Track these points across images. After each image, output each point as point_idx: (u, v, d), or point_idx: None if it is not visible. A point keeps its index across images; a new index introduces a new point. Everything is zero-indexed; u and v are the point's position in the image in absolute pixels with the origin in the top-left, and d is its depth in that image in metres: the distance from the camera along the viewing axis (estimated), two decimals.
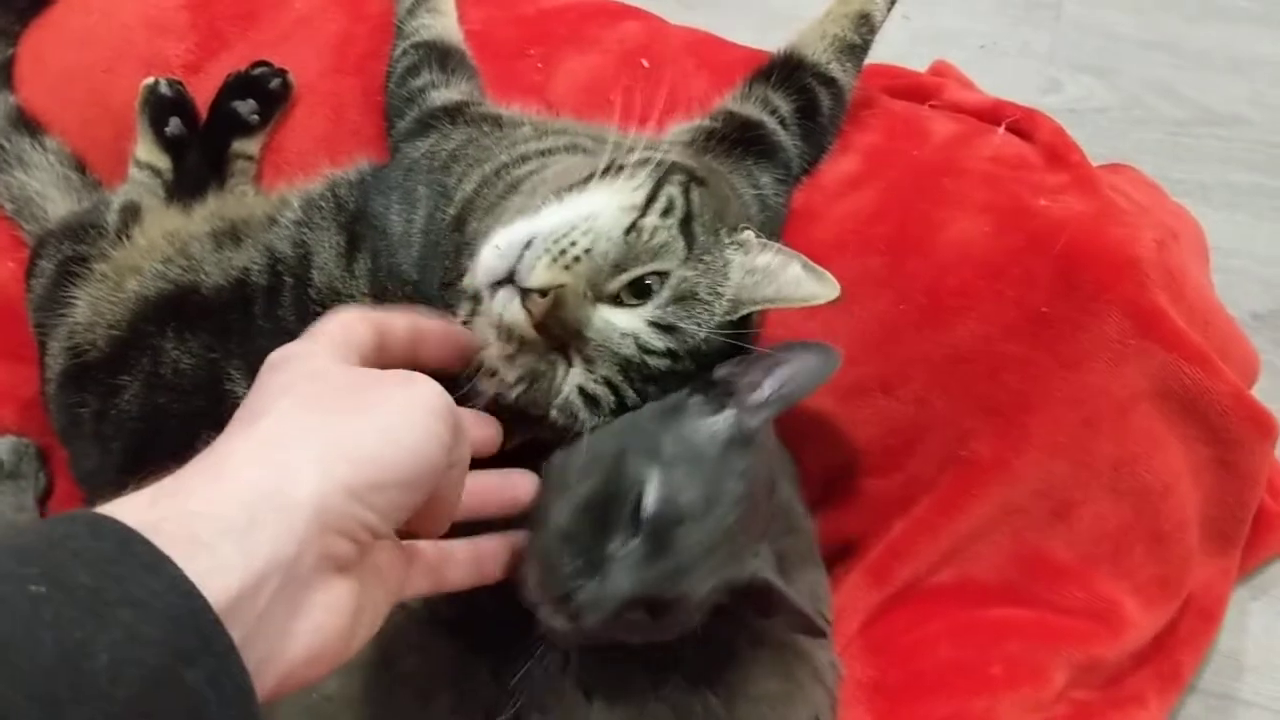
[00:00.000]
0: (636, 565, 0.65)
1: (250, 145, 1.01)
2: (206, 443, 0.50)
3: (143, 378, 0.86)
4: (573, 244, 0.67)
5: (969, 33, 1.48)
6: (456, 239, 0.80)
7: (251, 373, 0.56)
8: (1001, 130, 1.00)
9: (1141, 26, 1.48)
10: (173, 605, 0.41)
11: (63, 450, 0.97)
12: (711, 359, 0.72)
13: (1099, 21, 1.49)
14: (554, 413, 0.70)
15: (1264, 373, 1.04)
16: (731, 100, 0.93)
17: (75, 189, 1.06)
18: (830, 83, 0.94)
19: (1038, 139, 0.99)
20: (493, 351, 0.69)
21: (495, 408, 0.71)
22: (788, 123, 0.92)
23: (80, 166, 1.08)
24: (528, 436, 0.72)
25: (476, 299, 0.70)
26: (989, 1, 1.53)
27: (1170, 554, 0.92)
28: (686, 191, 0.73)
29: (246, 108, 1.00)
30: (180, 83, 1.02)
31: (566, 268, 0.67)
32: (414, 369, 0.57)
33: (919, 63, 1.19)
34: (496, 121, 0.89)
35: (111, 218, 0.95)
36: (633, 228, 0.69)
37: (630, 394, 0.70)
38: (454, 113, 0.90)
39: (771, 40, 0.98)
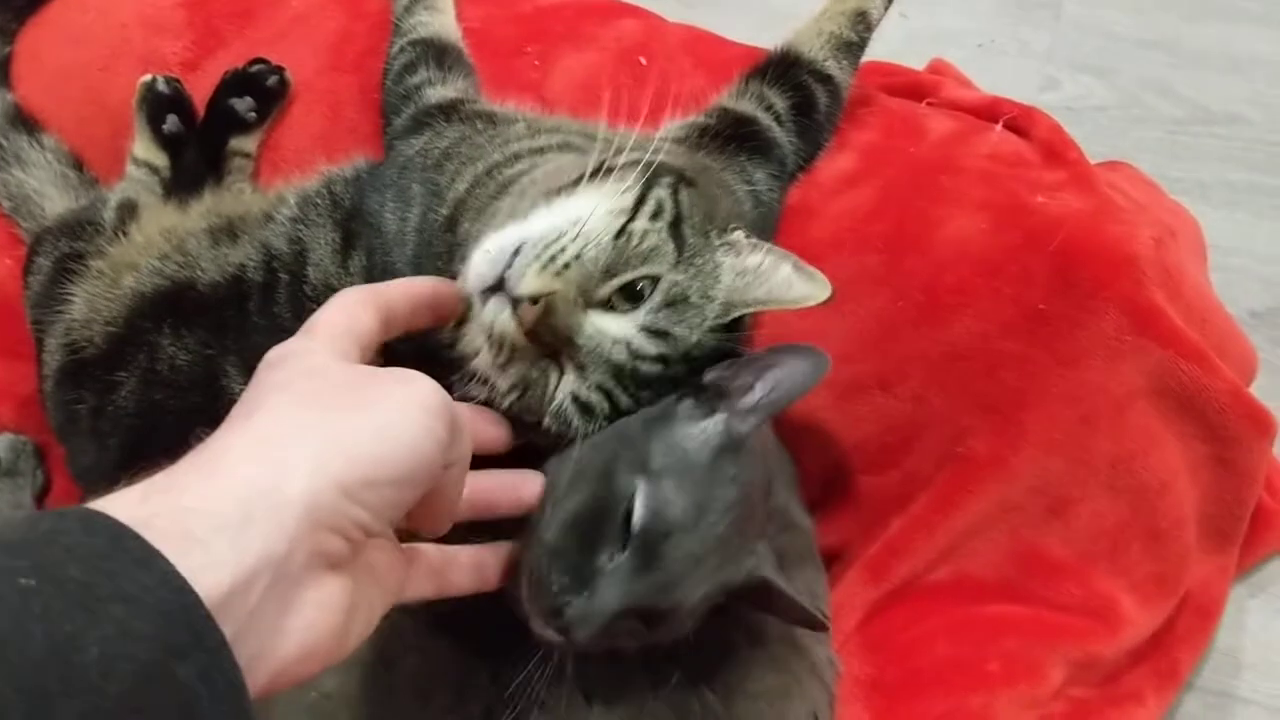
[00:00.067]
0: (626, 579, 0.65)
1: (247, 143, 1.01)
2: (200, 439, 0.50)
3: (139, 374, 0.86)
4: (562, 250, 0.67)
5: (967, 31, 1.48)
6: (449, 240, 0.79)
7: (248, 369, 0.56)
8: (999, 128, 1.00)
9: (1140, 26, 1.47)
10: (164, 600, 0.41)
11: (60, 447, 0.96)
12: (703, 362, 0.71)
13: (1098, 21, 1.48)
14: (548, 420, 0.69)
15: (1262, 371, 1.04)
16: (727, 97, 0.93)
17: (73, 187, 1.06)
18: (827, 80, 0.94)
19: (1035, 136, 0.99)
20: (484, 359, 0.69)
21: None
22: (783, 119, 0.92)
23: (77, 164, 1.08)
24: (526, 439, 0.72)
25: (468, 303, 0.70)
26: (987, 0, 1.53)
27: (1167, 551, 0.92)
28: (675, 193, 0.72)
29: (244, 105, 1.00)
30: (177, 80, 1.02)
31: (557, 274, 0.66)
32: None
33: (917, 61, 1.19)
34: (490, 119, 0.89)
35: (109, 215, 0.95)
36: (622, 232, 0.69)
37: (624, 399, 0.69)
38: (448, 110, 0.90)
39: (770, 38, 0.98)
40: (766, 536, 0.74)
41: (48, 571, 0.40)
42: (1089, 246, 0.88)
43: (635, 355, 0.68)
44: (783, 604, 0.74)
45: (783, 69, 0.93)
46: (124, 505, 0.44)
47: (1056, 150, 0.96)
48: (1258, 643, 1.05)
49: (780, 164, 0.91)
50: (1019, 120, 1.00)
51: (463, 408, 0.65)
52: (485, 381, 0.70)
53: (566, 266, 0.66)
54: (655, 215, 0.71)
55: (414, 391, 0.54)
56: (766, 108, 0.91)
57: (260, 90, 1.00)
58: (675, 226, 0.71)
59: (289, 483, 0.47)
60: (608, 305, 0.69)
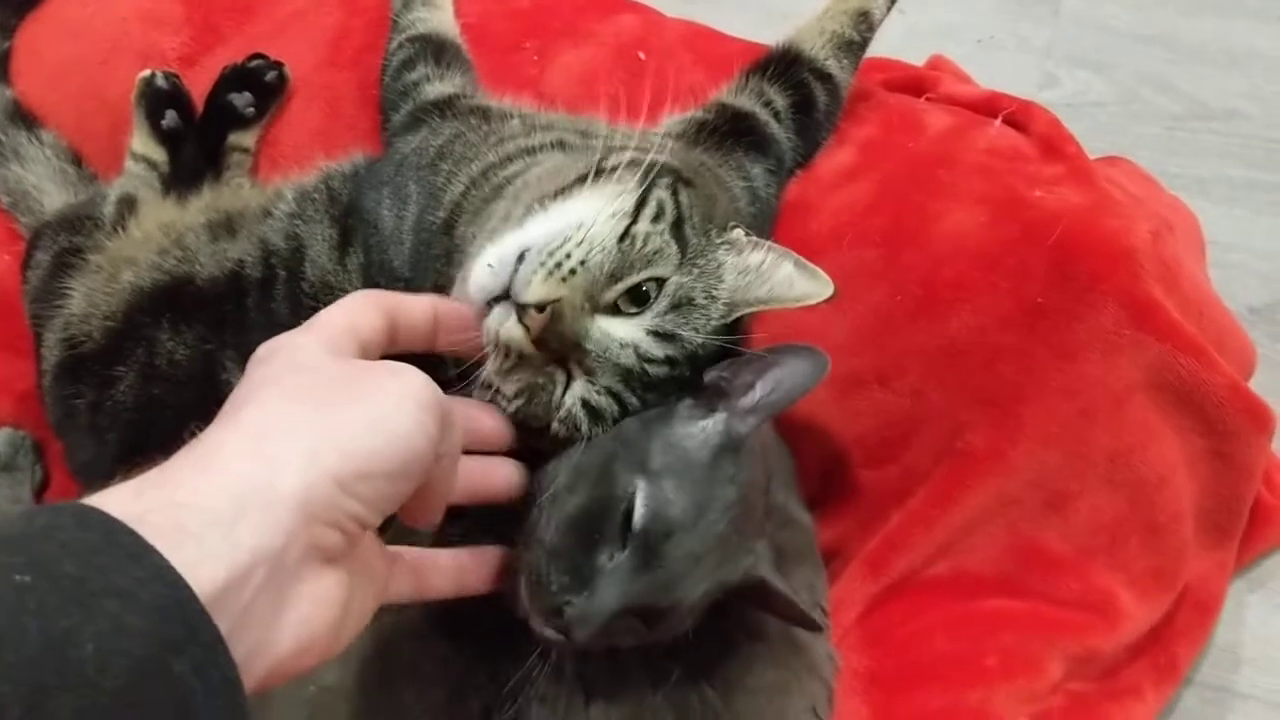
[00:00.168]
0: (625, 578, 0.65)
1: (246, 138, 1.01)
2: (194, 435, 0.50)
3: (138, 369, 0.87)
4: (568, 256, 0.66)
5: (966, 27, 1.48)
6: (446, 242, 0.79)
7: (245, 364, 0.56)
8: (997, 122, 1.00)
9: (1138, 21, 1.47)
10: (159, 595, 0.41)
11: (59, 442, 0.97)
12: (706, 363, 0.71)
13: (1096, 16, 1.48)
14: (556, 425, 0.69)
15: (1261, 366, 1.04)
16: (726, 93, 0.93)
17: (71, 182, 1.06)
18: (827, 79, 0.94)
19: (1033, 131, 0.99)
20: (489, 366, 0.68)
21: None
22: (782, 117, 0.92)
23: (76, 159, 1.08)
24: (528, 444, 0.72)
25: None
26: None
27: (1165, 546, 0.92)
28: (675, 194, 0.72)
29: (242, 100, 1.00)
30: (176, 75, 1.02)
31: (563, 280, 0.65)
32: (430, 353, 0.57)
33: (916, 57, 1.19)
34: (484, 114, 0.88)
35: (107, 210, 0.95)
36: (625, 235, 0.68)
37: (633, 401, 0.69)
38: (444, 106, 0.90)
39: (768, 35, 0.98)
40: (765, 535, 0.74)
41: (43, 567, 0.40)
42: (1087, 240, 0.87)
43: (643, 358, 0.68)
44: (779, 603, 0.74)
45: (784, 66, 0.93)
46: (118, 501, 0.44)
47: (1054, 145, 0.96)
48: (1257, 638, 1.04)
49: (778, 160, 0.91)
50: (1017, 115, 1.00)
51: (459, 401, 0.65)
52: (490, 387, 0.69)
53: (572, 272, 0.65)
54: (657, 217, 0.70)
55: (405, 384, 0.54)
56: (766, 104, 0.91)
57: (259, 85, 1.00)
58: (677, 228, 0.70)
59: (282, 478, 0.47)
60: (614, 309, 0.68)
